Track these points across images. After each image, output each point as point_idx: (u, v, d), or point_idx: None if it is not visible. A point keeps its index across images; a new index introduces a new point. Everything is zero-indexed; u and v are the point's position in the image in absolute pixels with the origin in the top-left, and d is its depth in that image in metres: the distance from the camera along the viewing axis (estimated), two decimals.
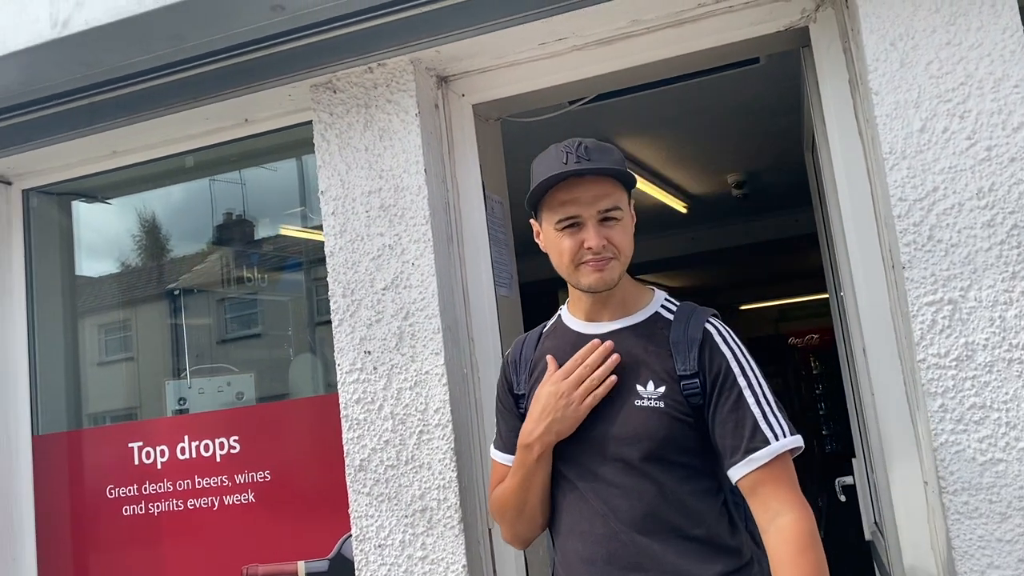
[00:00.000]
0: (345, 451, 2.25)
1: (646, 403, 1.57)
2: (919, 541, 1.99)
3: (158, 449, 2.61)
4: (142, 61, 2.31)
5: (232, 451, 2.55)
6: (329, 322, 3.05)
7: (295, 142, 2.73)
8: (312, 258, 3.01)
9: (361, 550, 2.20)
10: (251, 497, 2.51)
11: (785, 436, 1.52)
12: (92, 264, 3.20)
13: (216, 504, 2.53)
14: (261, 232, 3.29)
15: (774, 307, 11.65)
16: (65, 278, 3.03)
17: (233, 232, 3.22)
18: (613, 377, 1.58)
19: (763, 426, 1.51)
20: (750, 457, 1.50)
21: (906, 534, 2.01)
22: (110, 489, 2.65)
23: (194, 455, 2.57)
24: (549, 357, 1.66)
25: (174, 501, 2.57)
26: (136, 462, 2.63)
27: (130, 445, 2.65)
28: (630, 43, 2.29)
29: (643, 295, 1.69)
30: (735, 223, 6.48)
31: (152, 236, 3.25)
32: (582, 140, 1.61)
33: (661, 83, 2.90)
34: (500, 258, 2.51)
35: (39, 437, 2.78)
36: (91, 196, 3.09)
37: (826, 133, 2.16)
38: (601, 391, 1.58)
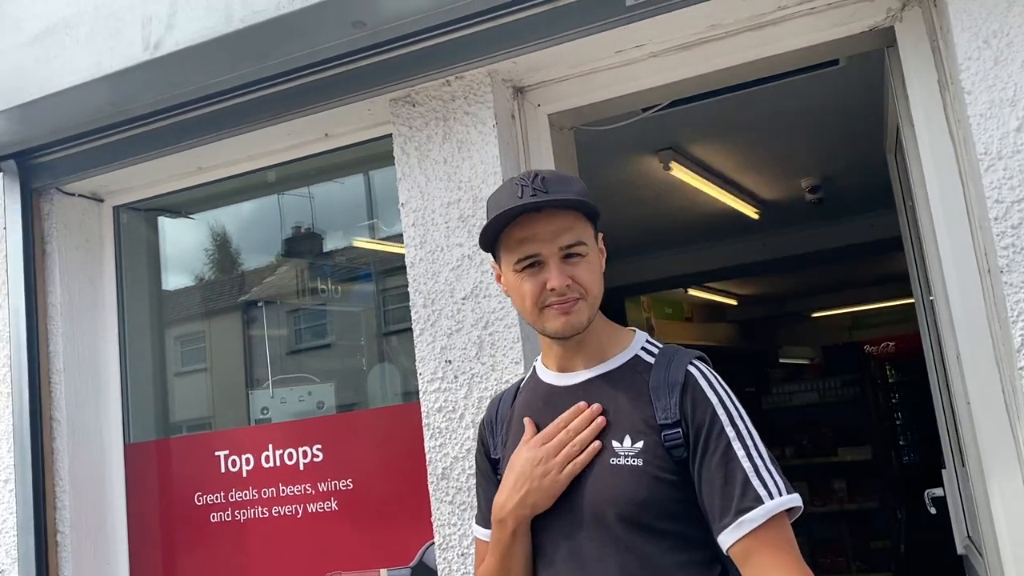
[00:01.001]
0: (427, 459, 2.27)
1: (622, 461, 1.38)
2: (1022, 555, 1.91)
3: (243, 457, 2.67)
4: (228, 79, 2.38)
5: (315, 459, 2.59)
6: (401, 331, 3.10)
7: (372, 156, 2.78)
8: (382, 269, 3.06)
9: (444, 558, 2.21)
10: (334, 505, 2.55)
11: (781, 494, 1.31)
12: (174, 277, 3.31)
13: (300, 512, 2.58)
14: (333, 244, 3.36)
15: (847, 314, 11.35)
16: (152, 291, 3.14)
17: (305, 245, 3.29)
18: (597, 443, 1.40)
19: (755, 483, 1.31)
20: (741, 520, 1.29)
21: (1008, 548, 1.93)
22: (198, 496, 2.73)
23: (278, 463, 2.63)
24: (527, 420, 1.50)
25: (259, 508, 2.62)
26: (223, 470, 2.70)
27: (217, 453, 2.72)
28: (708, 48, 2.27)
29: (621, 338, 1.52)
30: (808, 228, 6.34)
31: (229, 249, 3.34)
32: (539, 171, 1.47)
33: (736, 88, 2.87)
34: None
35: (131, 445, 2.88)
36: (175, 211, 3.19)
37: (914, 134, 2.10)
38: (583, 459, 1.40)
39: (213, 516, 2.69)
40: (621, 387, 1.44)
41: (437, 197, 2.34)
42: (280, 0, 2.05)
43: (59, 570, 2.68)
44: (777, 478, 1.33)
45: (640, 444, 1.38)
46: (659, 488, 1.36)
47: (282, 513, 2.60)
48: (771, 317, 11.15)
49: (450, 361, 2.28)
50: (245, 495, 2.66)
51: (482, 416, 1.67)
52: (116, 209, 3.00)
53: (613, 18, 2.08)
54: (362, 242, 3.30)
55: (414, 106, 2.39)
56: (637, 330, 1.56)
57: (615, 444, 1.39)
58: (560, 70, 2.37)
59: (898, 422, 10.84)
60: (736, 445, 1.34)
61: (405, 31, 2.19)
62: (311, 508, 2.57)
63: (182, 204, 3.12)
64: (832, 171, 5.09)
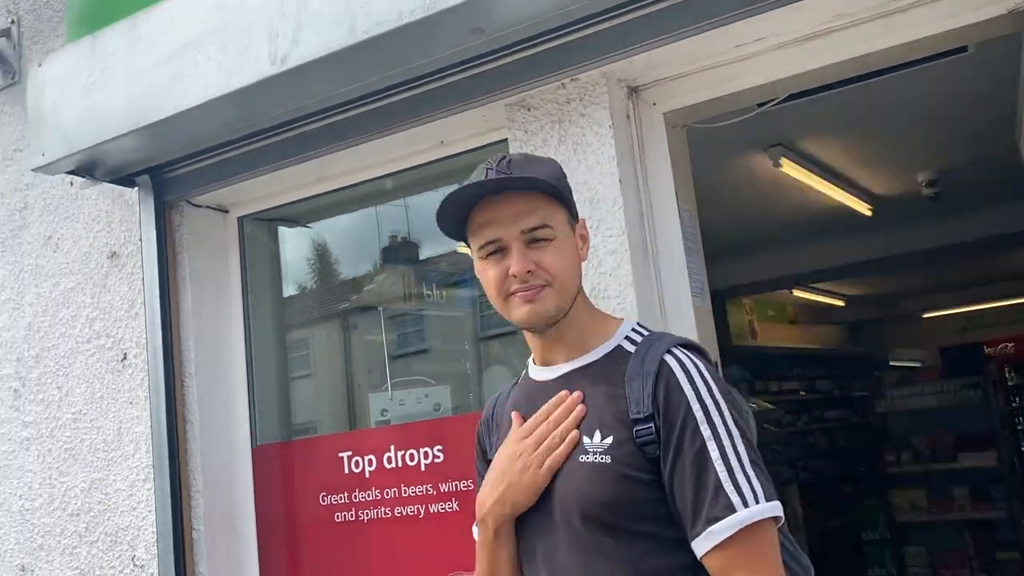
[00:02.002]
0: None
1: (589, 458, 1.29)
2: None
3: (366, 458, 2.73)
4: (349, 91, 2.44)
5: (436, 460, 2.63)
6: (506, 335, 3.11)
7: (482, 161, 2.81)
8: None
9: None
10: (455, 506, 2.58)
11: (758, 502, 1.19)
12: (293, 284, 3.42)
13: (422, 512, 2.62)
14: (436, 250, 3.41)
15: (961, 314, 10.82)
16: (274, 298, 3.25)
17: (411, 251, 3.34)
18: (575, 432, 1.32)
19: (728, 489, 1.19)
20: (710, 529, 1.18)
21: None
22: (323, 496, 2.80)
23: (400, 464, 2.68)
24: (514, 413, 1.44)
25: (382, 509, 2.68)
26: (346, 471, 2.77)
27: (340, 455, 2.79)
28: (832, 38, 2.20)
29: (606, 327, 1.43)
30: (924, 225, 6.08)
31: (343, 257, 3.44)
32: (509, 154, 1.41)
33: (854, 79, 2.77)
34: (693, 267, 2.47)
35: (257, 448, 2.99)
36: (293, 221, 3.30)
37: None
38: (562, 451, 1.32)
39: (337, 516, 2.76)
40: (600, 380, 1.35)
41: None
42: (402, 11, 2.09)
43: (194, 566, 2.80)
44: (755, 484, 1.21)
45: (609, 440, 1.29)
46: (628, 487, 1.25)
47: (404, 513, 2.65)
48: (880, 318, 10.74)
49: None
50: (368, 495, 2.72)
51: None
52: (240, 219, 3.12)
53: (735, 11, 2.05)
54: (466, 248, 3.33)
55: (529, 110, 2.40)
56: (627, 318, 1.48)
57: (585, 440, 1.31)
58: (676, 67, 2.34)
59: (1019, 427, 10.26)
60: (711, 446, 1.22)
61: (521, 36, 2.21)
62: (433, 508, 2.61)
63: (300, 214, 3.23)
64: (951, 164, 4.88)
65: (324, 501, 2.80)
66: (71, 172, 2.83)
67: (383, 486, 2.69)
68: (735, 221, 5.47)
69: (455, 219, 1.40)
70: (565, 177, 1.46)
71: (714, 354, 2.38)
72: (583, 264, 1.50)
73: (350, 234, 3.28)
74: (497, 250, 1.37)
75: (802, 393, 8.86)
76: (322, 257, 3.36)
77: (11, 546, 3.23)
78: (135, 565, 2.90)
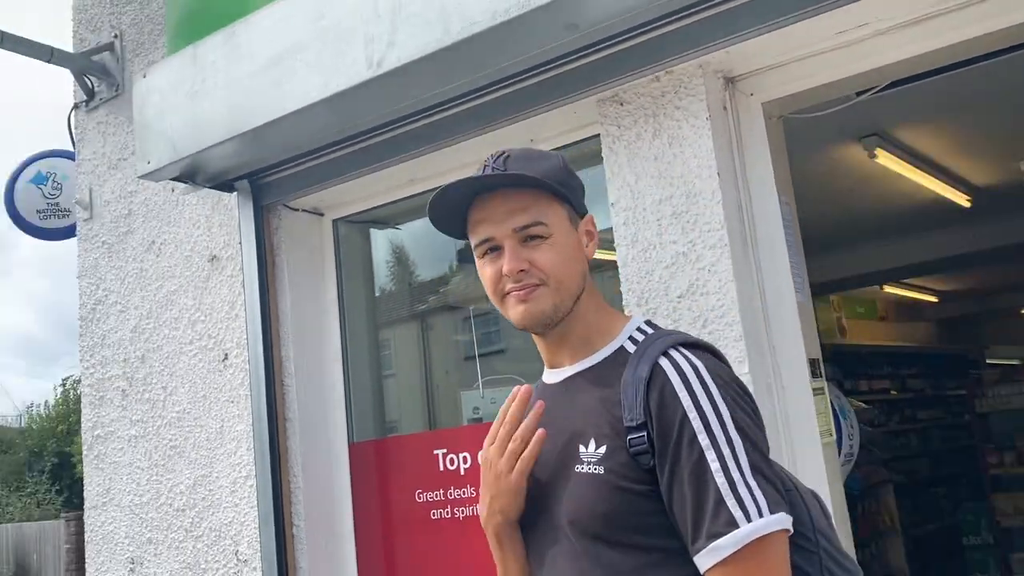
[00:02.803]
0: None
1: (584, 468, 1.23)
2: None
3: (460, 456, 2.75)
4: (443, 92, 2.47)
5: None
6: None
7: (575, 158, 2.80)
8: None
9: None
10: None
11: (762, 515, 1.11)
12: (385, 284, 3.47)
13: None
14: None
15: None
16: (367, 298, 3.30)
17: None
18: (541, 431, 1.26)
19: (730, 502, 1.11)
20: (713, 546, 1.11)
21: None
22: (419, 493, 2.84)
23: None
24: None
25: (477, 506, 2.69)
26: (441, 468, 2.79)
27: (435, 452, 2.82)
28: (939, 22, 2.12)
29: (613, 326, 1.35)
30: None
31: (434, 257, 3.47)
32: (510, 149, 1.37)
33: (957, 65, 2.66)
34: (794, 262, 2.41)
35: (354, 444, 3.04)
36: (385, 223, 3.35)
37: None
38: (528, 453, 1.26)
39: (433, 513, 2.79)
40: (600, 384, 1.28)
41: (648, 195, 2.32)
42: (496, 10, 2.10)
43: (295, 561, 2.87)
44: (759, 496, 1.12)
45: (603, 449, 1.22)
46: (623, 499, 1.19)
47: None
48: (975, 314, 10.31)
49: None
50: (463, 493, 2.73)
51: None
52: (335, 222, 3.19)
53: None
54: None
55: (622, 104, 2.38)
56: (636, 316, 1.40)
57: (581, 449, 1.25)
58: (774, 56, 2.29)
59: None
60: (710, 455, 1.13)
61: (616, 30, 2.19)
62: None
63: (392, 215, 3.27)
64: None
65: (420, 498, 2.83)
66: (175, 178, 2.94)
67: (477, 483, 2.70)
68: (824, 215, 5.32)
69: (453, 217, 1.36)
70: (570, 172, 1.39)
71: (813, 352, 2.33)
72: (588, 259, 1.42)
73: (440, 234, 3.30)
74: (492, 249, 1.33)
75: (893, 392, 8.57)
76: (412, 258, 3.40)
77: (121, 539, 3.36)
78: (239, 560, 2.98)
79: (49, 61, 3.47)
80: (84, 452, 3.54)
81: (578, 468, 1.24)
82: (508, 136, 2.64)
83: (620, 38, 2.22)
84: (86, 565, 3.48)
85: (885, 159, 4.12)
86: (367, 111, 2.56)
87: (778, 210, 2.32)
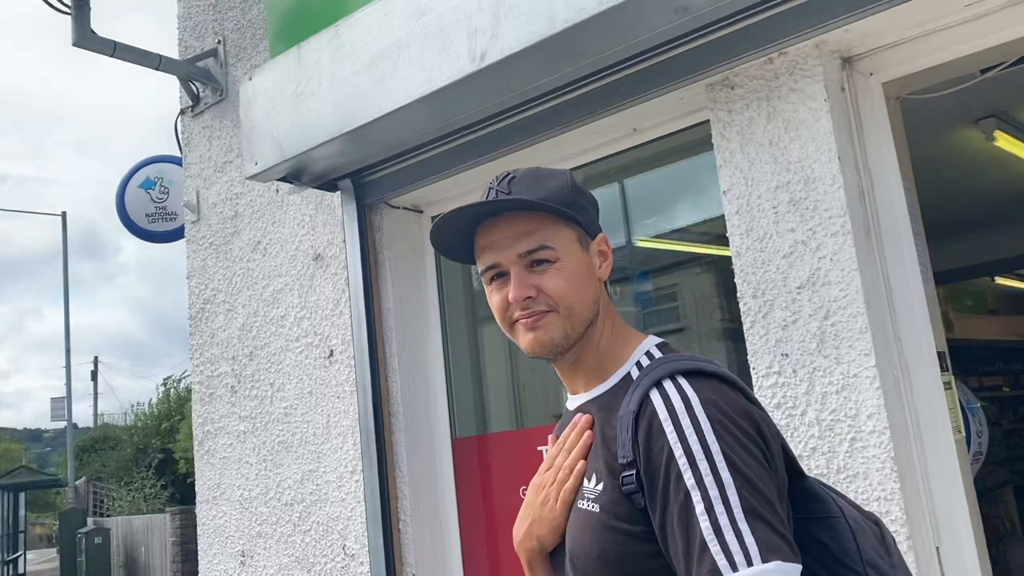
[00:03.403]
0: None
1: (583, 505, 1.18)
2: None
3: None
4: (545, 83, 2.43)
5: None
6: (712, 329, 2.99)
7: (678, 147, 2.73)
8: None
9: None
10: None
11: (750, 563, 0.99)
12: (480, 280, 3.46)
13: None
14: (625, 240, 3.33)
15: None
16: (467, 294, 3.30)
17: None
18: (582, 463, 1.21)
19: (713, 548, 1.01)
20: None
21: None
22: (522, 490, 2.80)
23: None
24: (550, 437, 1.34)
25: None
26: None
27: (539, 448, 2.78)
28: None
29: (625, 350, 1.27)
30: None
31: None
32: (515, 171, 1.30)
33: None
34: (919, 249, 2.28)
35: (457, 440, 3.04)
36: None
37: None
38: (571, 484, 1.21)
39: None
40: (604, 414, 1.21)
41: (763, 181, 2.23)
42: None
43: (403, 556, 2.89)
44: (749, 542, 1.01)
45: (600, 486, 1.16)
46: (616, 540, 1.12)
47: None
48: None
49: (787, 355, 2.16)
50: None
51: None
52: (434, 219, 3.18)
53: None
54: (647, 240, 3.25)
55: (732, 89, 2.30)
56: (650, 337, 1.30)
57: (584, 483, 1.20)
58: (895, 34, 2.17)
59: None
60: (695, 496, 1.04)
61: (727, 11, 2.11)
62: None
63: None
64: None
65: (524, 495, 2.80)
66: (281, 179, 2.99)
67: None
68: (935, 202, 5.07)
69: (462, 243, 1.31)
70: (579, 191, 1.31)
71: (941, 345, 2.20)
72: (602, 281, 1.34)
73: None
74: (498, 275, 1.27)
75: (1006, 389, 8.14)
76: None
77: (232, 533, 3.45)
78: (346, 554, 3.02)
79: (157, 68, 3.59)
80: (195, 447, 3.65)
81: (580, 503, 1.20)
82: (610, 126, 2.59)
83: (731, 19, 2.14)
84: (199, 558, 3.59)
85: (1005, 142, 3.89)
86: (468, 106, 2.54)
87: (902, 195, 2.20)
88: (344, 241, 3.05)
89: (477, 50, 2.32)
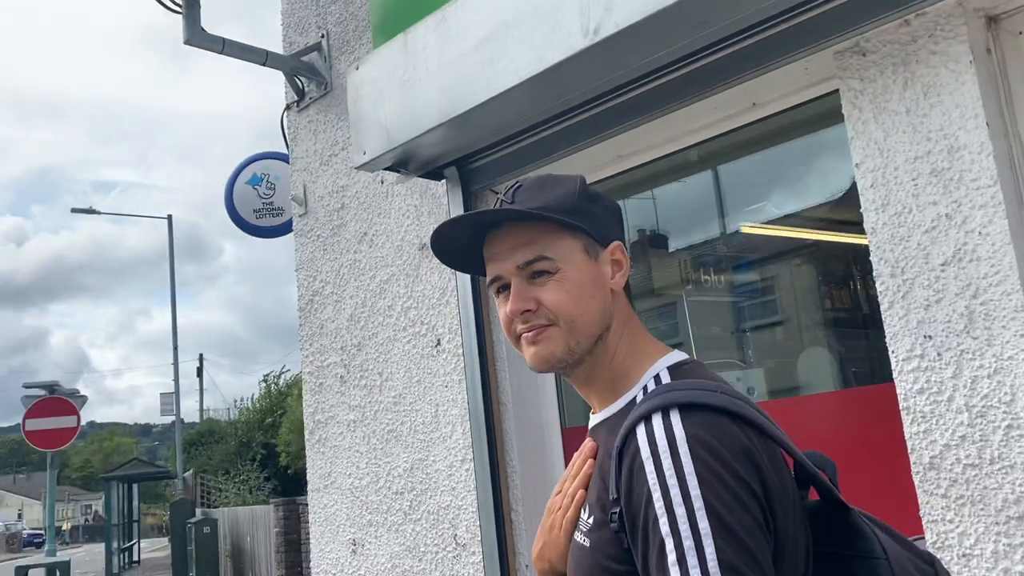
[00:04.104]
0: (909, 447, 2.02)
1: (578, 538, 1.15)
2: None
3: None
4: (660, 57, 2.34)
5: None
6: (830, 317, 2.84)
7: (800, 121, 2.60)
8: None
9: (941, 558, 1.95)
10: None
11: None
12: None
13: None
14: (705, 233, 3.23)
15: None
16: None
17: (713, 229, 3.18)
18: (582, 492, 1.18)
19: None
20: None
21: None
22: None
23: None
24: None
25: None
26: None
27: None
28: None
29: (639, 368, 1.20)
30: None
31: (643, 237, 3.35)
32: (524, 179, 1.25)
33: None
34: None
35: (567, 429, 2.98)
36: None
37: None
38: (571, 512, 1.18)
39: None
40: (611, 439, 1.12)
41: (899, 152, 2.09)
42: None
43: (515, 547, 2.84)
44: None
45: (592, 520, 1.11)
46: None
47: None
48: None
49: (930, 336, 2.01)
50: None
51: None
52: None
53: None
54: (753, 227, 3.12)
55: (864, 55, 2.16)
56: (670, 354, 1.20)
57: (582, 514, 1.17)
58: None
59: None
60: (669, 544, 0.97)
61: None
62: None
63: None
64: None
65: None
66: (388, 168, 2.98)
67: None
68: None
69: (471, 255, 1.27)
70: (589, 197, 1.24)
71: None
72: (617, 290, 1.26)
73: (642, 215, 3.19)
74: (502, 288, 1.23)
75: None
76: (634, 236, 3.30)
77: (343, 521, 3.48)
78: (457, 544, 3.00)
79: (264, 64, 3.65)
80: (306, 436, 3.70)
81: (576, 535, 1.17)
82: (726, 100, 2.48)
83: None
84: (311, 545, 3.64)
85: None
86: (579, 84, 2.47)
87: None
88: None
89: (590, 24, 2.25)
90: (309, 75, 3.76)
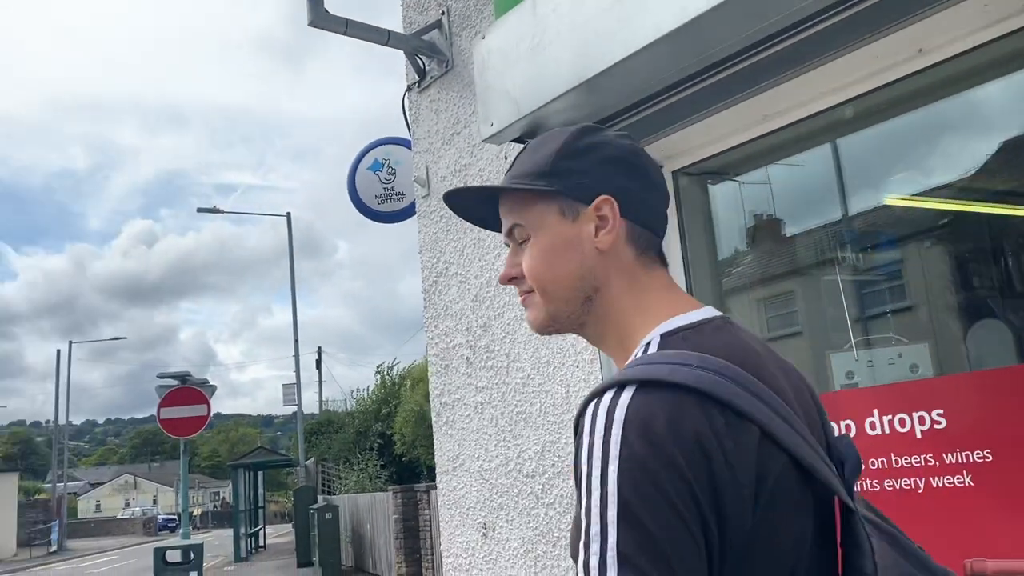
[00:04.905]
0: None
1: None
2: None
3: (843, 424, 2.41)
4: (813, 2, 2.15)
5: (936, 426, 2.23)
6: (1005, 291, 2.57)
7: (972, 68, 2.35)
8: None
9: None
10: (967, 480, 2.16)
11: None
12: (730, 242, 3.20)
13: (921, 486, 2.24)
14: (863, 202, 2.98)
15: None
16: (711, 257, 3.06)
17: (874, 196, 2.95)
18: None
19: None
20: None
21: None
22: None
23: (887, 431, 2.32)
24: None
25: (869, 480, 2.34)
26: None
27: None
28: None
29: (644, 331, 1.11)
30: None
31: (786, 208, 3.14)
32: (533, 140, 1.23)
33: None
34: None
35: None
36: (724, 173, 3.08)
37: None
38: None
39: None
40: None
41: None
42: None
43: None
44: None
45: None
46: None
47: (897, 487, 2.29)
48: None
49: None
50: None
51: None
52: (675, 174, 2.97)
53: None
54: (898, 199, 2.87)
55: None
56: (674, 319, 1.09)
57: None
58: None
59: None
60: (583, 525, 0.93)
61: None
62: (935, 482, 2.21)
63: (733, 163, 3.00)
64: None
65: None
66: (515, 140, 2.89)
67: (867, 456, 2.35)
68: None
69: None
70: (570, 153, 1.17)
71: None
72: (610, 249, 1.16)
73: (794, 182, 2.98)
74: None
75: None
76: (763, 210, 3.10)
77: (472, 504, 3.42)
78: None
79: (386, 44, 3.61)
80: (433, 418, 3.66)
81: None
82: (888, 48, 2.26)
83: None
84: (440, 528, 3.60)
85: None
86: (724, 36, 2.30)
87: None
88: None
89: None
90: (430, 53, 3.71)
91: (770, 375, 1.05)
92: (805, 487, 0.99)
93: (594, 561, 0.91)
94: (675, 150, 2.91)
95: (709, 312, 1.13)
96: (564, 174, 1.17)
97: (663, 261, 1.20)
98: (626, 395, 0.97)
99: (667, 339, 1.08)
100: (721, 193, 3.16)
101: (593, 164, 1.18)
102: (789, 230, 3.10)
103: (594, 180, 1.17)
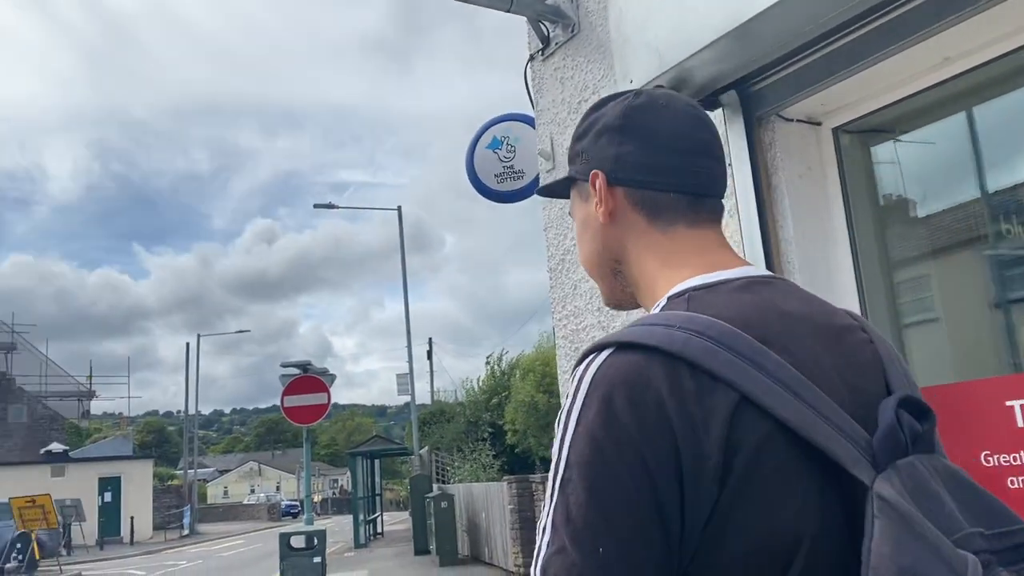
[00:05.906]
0: None
1: None
2: None
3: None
4: None
5: None
6: None
7: None
8: None
9: None
10: None
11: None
12: (902, 207, 2.86)
13: None
14: None
15: None
16: (877, 223, 2.74)
17: None
18: None
19: (538, 541, 0.94)
20: None
21: None
22: (986, 456, 2.21)
23: None
24: None
25: None
26: (1020, 424, 2.14)
27: (1007, 403, 2.17)
28: None
29: (663, 292, 1.13)
30: None
31: (960, 171, 2.78)
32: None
33: None
34: None
35: None
36: (891, 129, 2.75)
37: None
38: None
39: (1011, 481, 2.15)
40: None
41: None
42: None
43: None
44: (543, 549, 0.91)
45: None
46: None
47: None
48: None
49: None
50: None
51: None
52: (835, 131, 2.67)
53: None
54: None
55: None
56: (688, 281, 1.09)
57: None
58: None
59: None
60: (548, 483, 0.96)
61: None
62: None
63: (904, 117, 2.66)
64: None
65: (989, 462, 2.21)
66: None
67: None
68: None
69: None
70: (582, 134, 1.22)
71: None
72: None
73: (983, 134, 2.61)
74: None
75: None
76: (938, 171, 2.75)
77: None
78: None
79: (509, 10, 3.43)
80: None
81: None
82: None
83: None
84: None
85: None
86: None
87: None
88: (730, 165, 2.63)
89: None
90: (554, 18, 3.50)
91: (794, 339, 0.99)
92: (805, 461, 0.91)
93: (540, 524, 0.95)
94: (835, 105, 2.60)
95: (741, 272, 1.09)
96: (575, 158, 1.24)
97: (707, 217, 1.16)
98: (601, 357, 0.97)
99: (672, 301, 1.08)
100: (895, 149, 2.83)
101: (591, 140, 1.21)
102: (972, 194, 2.74)
103: (591, 156, 1.20)
